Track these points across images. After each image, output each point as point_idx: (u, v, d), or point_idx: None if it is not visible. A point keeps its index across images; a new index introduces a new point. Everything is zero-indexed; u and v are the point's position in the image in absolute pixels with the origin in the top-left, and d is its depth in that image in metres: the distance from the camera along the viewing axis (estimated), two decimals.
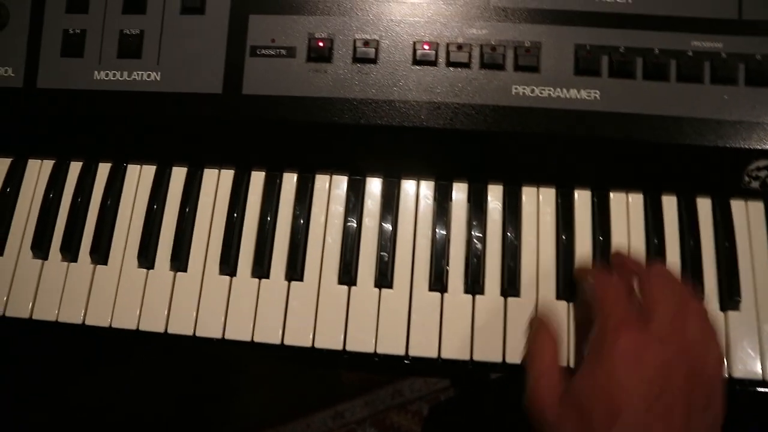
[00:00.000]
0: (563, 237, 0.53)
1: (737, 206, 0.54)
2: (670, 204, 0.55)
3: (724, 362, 0.45)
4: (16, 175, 0.59)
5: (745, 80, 0.52)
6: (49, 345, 0.92)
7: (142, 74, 0.55)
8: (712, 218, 0.54)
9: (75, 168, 0.58)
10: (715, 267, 0.53)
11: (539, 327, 0.49)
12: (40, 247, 0.56)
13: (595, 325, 0.44)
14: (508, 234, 0.54)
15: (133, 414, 1.10)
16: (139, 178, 0.58)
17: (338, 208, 0.55)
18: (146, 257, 0.55)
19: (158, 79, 0.55)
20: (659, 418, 0.39)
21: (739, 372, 0.50)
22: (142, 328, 0.54)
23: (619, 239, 0.54)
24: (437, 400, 1.28)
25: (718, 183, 0.54)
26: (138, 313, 0.54)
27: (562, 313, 0.52)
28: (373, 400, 1.29)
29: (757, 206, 0.54)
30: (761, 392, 0.50)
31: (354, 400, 1.29)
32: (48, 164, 0.59)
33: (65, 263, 0.56)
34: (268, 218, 0.55)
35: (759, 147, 0.51)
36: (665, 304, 0.43)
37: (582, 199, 0.55)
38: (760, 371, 0.50)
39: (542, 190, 0.55)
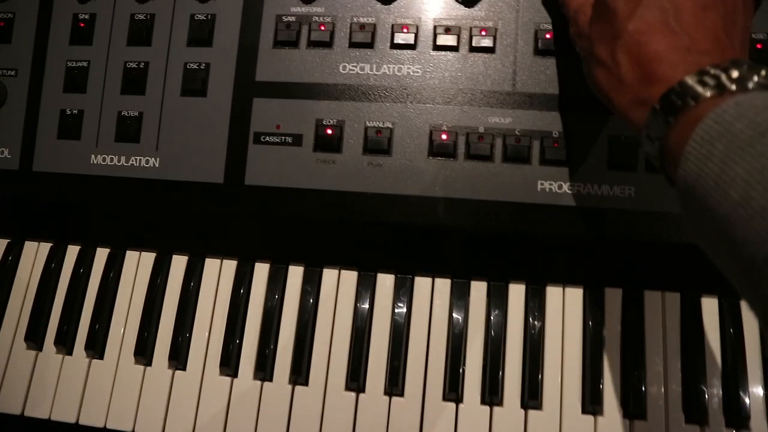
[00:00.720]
0: (591, 342, 0.49)
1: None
2: (710, 306, 0.50)
3: None
4: (12, 256, 0.56)
5: None
6: None
7: (140, 159, 0.52)
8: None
9: (72, 252, 0.56)
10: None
11: None
12: (34, 339, 0.53)
13: None
14: (529, 335, 0.49)
15: None
16: (138, 266, 0.55)
17: (347, 305, 0.51)
18: (143, 355, 0.52)
19: (157, 165, 0.52)
20: None
21: None
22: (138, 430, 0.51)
23: (653, 343, 0.49)
24: None
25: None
26: (134, 412, 0.51)
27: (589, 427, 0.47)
28: None
29: None
30: None
31: None
32: (45, 247, 0.56)
33: (60, 356, 0.53)
34: (273, 316, 0.51)
35: None
36: None
37: (612, 298, 0.50)
38: None
39: (568, 290, 0.51)
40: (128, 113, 0.52)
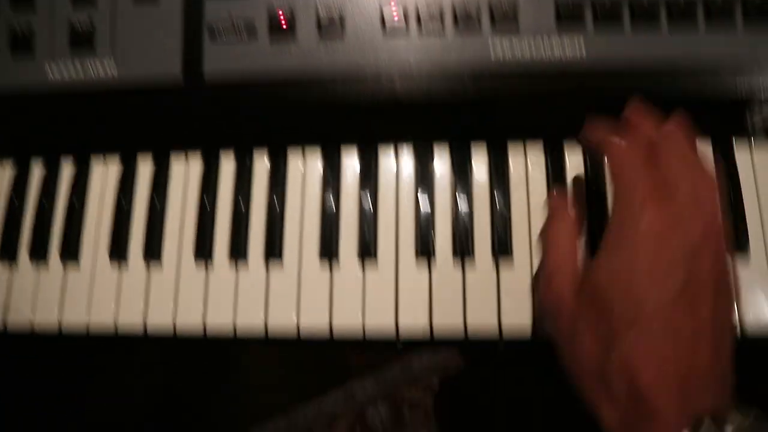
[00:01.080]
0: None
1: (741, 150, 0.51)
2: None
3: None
4: None
5: (743, 21, 0.48)
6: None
7: (97, 67, 0.52)
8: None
9: (37, 168, 0.56)
10: None
11: (555, 210, 0.44)
12: (7, 253, 0.54)
13: (615, 203, 0.39)
14: (497, 195, 0.50)
15: (138, 409, 1.09)
16: (106, 174, 0.55)
17: (315, 185, 0.52)
18: (119, 254, 0.52)
19: (114, 71, 0.51)
20: (685, 311, 0.34)
21: (750, 327, 0.47)
22: (120, 322, 0.51)
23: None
24: (447, 371, 1.26)
25: (720, 128, 0.50)
26: (115, 308, 0.52)
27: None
28: (384, 378, 1.27)
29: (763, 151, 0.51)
30: None
31: (364, 379, 1.27)
32: (8, 165, 0.56)
33: (35, 267, 0.53)
34: (242, 203, 0.52)
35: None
36: (687, 178, 0.37)
37: (572, 150, 0.52)
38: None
39: (529, 144, 0.52)
40: (80, 24, 0.52)
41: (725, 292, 0.36)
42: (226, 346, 1.12)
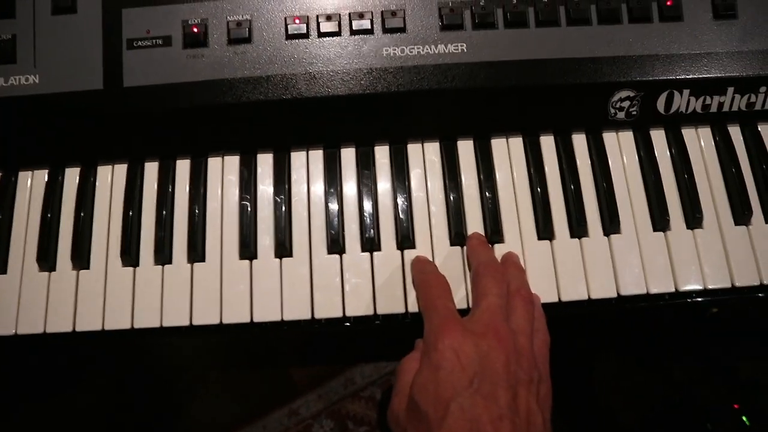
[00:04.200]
0: (451, 187, 0.56)
1: (609, 138, 0.58)
2: (548, 143, 0.58)
3: (548, 342, 0.49)
4: None
5: (597, 20, 0.56)
6: None
7: (19, 78, 0.55)
8: (587, 152, 0.58)
9: None
10: (596, 196, 0.56)
11: (403, 361, 0.49)
12: None
13: (424, 324, 0.47)
14: (398, 191, 0.56)
15: None
16: (32, 183, 0.58)
17: (233, 186, 0.56)
18: (46, 260, 0.55)
19: (37, 81, 0.55)
20: (485, 396, 0.41)
21: (627, 290, 0.53)
22: (48, 329, 0.53)
23: (504, 182, 0.56)
24: (388, 383, 1.29)
25: (589, 118, 0.57)
26: (44, 315, 0.54)
27: (457, 258, 0.54)
28: (327, 393, 1.29)
29: (627, 135, 0.58)
30: (645, 306, 0.53)
31: (307, 395, 1.29)
32: None
33: None
34: (165, 206, 0.56)
35: (617, 80, 0.55)
36: (491, 297, 0.47)
37: (465, 148, 0.57)
38: (644, 286, 0.53)
39: (427, 145, 0.58)
40: (1, 36, 0.55)
41: (527, 379, 0.43)
42: (169, 374, 1.13)
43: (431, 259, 0.54)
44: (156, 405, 1.16)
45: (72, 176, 0.58)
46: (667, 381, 0.94)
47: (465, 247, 0.54)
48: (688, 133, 0.58)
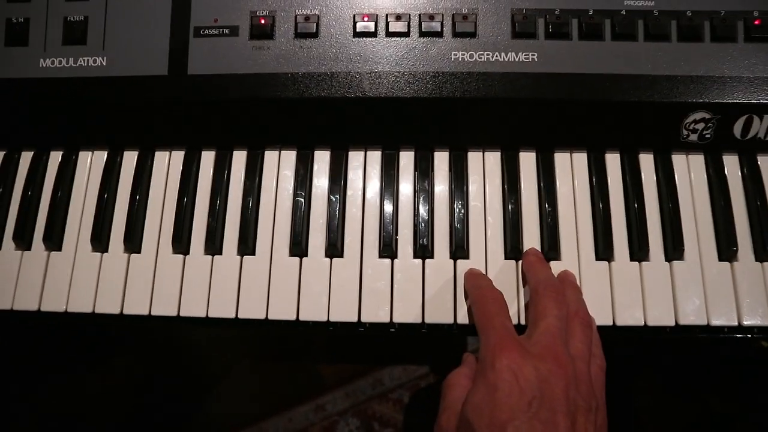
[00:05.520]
0: (510, 199, 0.54)
1: (678, 160, 0.56)
2: (613, 161, 0.56)
3: (605, 369, 0.47)
4: None
5: (677, 36, 0.53)
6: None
7: (87, 60, 0.55)
8: (654, 173, 0.55)
9: (26, 157, 0.59)
10: (659, 220, 0.54)
11: (451, 376, 0.48)
12: None
13: (480, 341, 0.46)
14: (455, 198, 0.54)
15: (109, 418, 1.09)
16: (91, 164, 0.58)
17: (288, 181, 0.56)
18: (100, 241, 0.55)
19: (104, 63, 0.55)
20: (544, 422, 0.39)
21: (687, 319, 0.51)
22: (97, 310, 0.54)
23: (565, 198, 0.55)
24: (417, 387, 1.29)
25: (659, 138, 0.55)
26: (93, 296, 0.54)
27: (511, 272, 0.53)
28: (354, 391, 1.29)
29: (697, 159, 0.56)
30: (705, 337, 0.51)
31: (335, 391, 1.29)
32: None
33: (19, 252, 0.56)
34: (219, 196, 0.55)
35: (693, 100, 0.53)
36: (550, 318, 0.45)
37: (527, 160, 0.56)
38: (705, 317, 0.51)
39: (488, 154, 0.56)
40: (74, 18, 0.56)
41: (586, 407, 0.42)
42: (199, 363, 1.14)
43: (484, 272, 0.52)
44: (183, 391, 1.17)
45: (130, 159, 0.58)
46: (705, 411, 0.91)
47: (520, 262, 0.53)
48: (764, 161, 0.55)
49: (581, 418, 0.41)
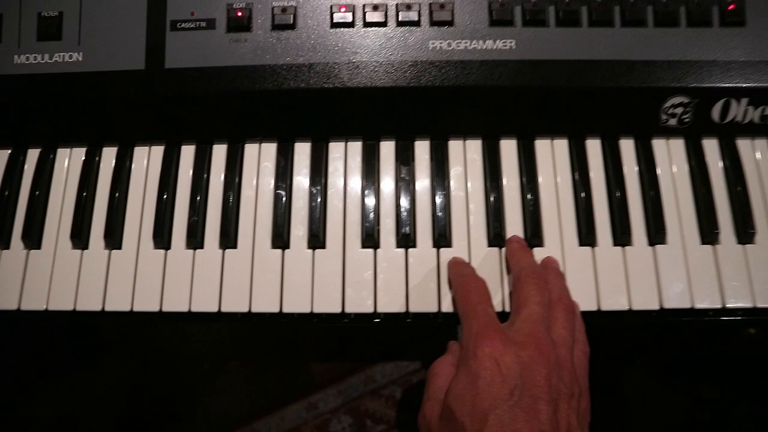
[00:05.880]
0: (491, 186, 0.54)
1: (659, 144, 0.56)
2: (594, 147, 0.56)
3: (588, 354, 0.47)
4: None
5: (653, 22, 0.53)
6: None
7: (63, 55, 0.55)
8: (635, 158, 0.55)
9: (3, 156, 0.58)
10: (642, 204, 0.54)
11: (436, 364, 0.48)
12: None
13: (462, 329, 0.46)
14: (437, 187, 0.54)
15: (101, 420, 1.08)
16: (69, 161, 0.58)
17: (269, 174, 0.56)
18: (80, 238, 0.55)
19: (80, 59, 0.55)
20: (526, 409, 0.39)
21: (670, 302, 0.51)
22: (79, 307, 0.53)
23: (546, 185, 0.55)
24: (409, 383, 1.28)
25: (639, 123, 0.55)
26: (74, 293, 0.54)
27: (495, 259, 0.53)
28: (346, 389, 1.29)
29: (677, 143, 0.56)
30: (689, 321, 0.51)
31: (327, 389, 1.29)
32: None
33: None
34: (199, 190, 0.55)
35: (671, 85, 0.53)
36: (532, 305, 0.45)
37: (508, 148, 0.56)
38: (689, 300, 0.51)
39: (469, 142, 0.56)
40: (48, 13, 0.55)
41: (568, 393, 0.42)
42: (189, 362, 1.13)
43: (468, 260, 0.52)
44: (175, 392, 1.16)
45: (109, 156, 0.57)
46: (695, 399, 0.92)
47: (503, 249, 0.53)
48: (743, 144, 0.55)
49: (564, 404, 0.41)
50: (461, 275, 0.50)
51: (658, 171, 0.55)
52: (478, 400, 0.40)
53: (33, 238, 0.55)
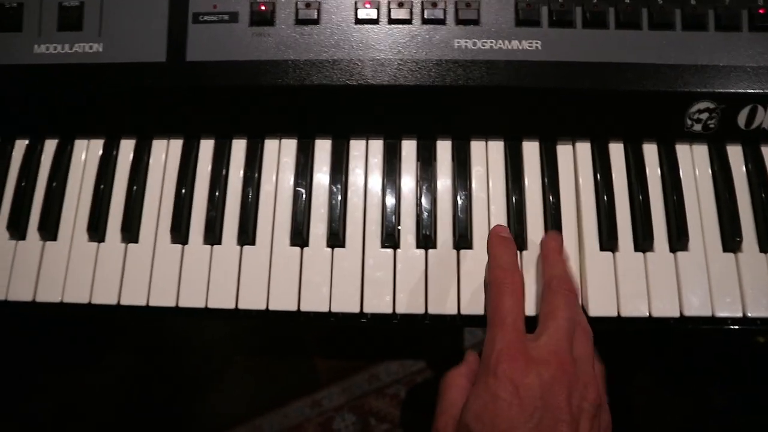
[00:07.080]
0: (513, 188, 0.54)
1: (682, 150, 0.55)
2: (617, 151, 0.55)
3: (604, 370, 0.47)
4: None
5: (681, 25, 0.53)
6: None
7: (83, 46, 0.54)
8: (658, 163, 0.55)
9: (20, 146, 0.57)
10: (664, 210, 0.54)
11: (450, 375, 0.47)
12: None
13: (485, 341, 0.44)
14: (458, 188, 0.54)
15: (106, 414, 1.08)
16: (87, 153, 0.57)
17: (288, 170, 0.55)
18: (97, 231, 0.54)
19: (100, 50, 0.54)
20: None
21: (690, 310, 0.51)
22: (94, 301, 0.53)
23: (568, 188, 0.54)
24: (414, 383, 1.28)
25: (663, 128, 0.55)
26: (90, 286, 0.53)
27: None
28: (350, 387, 1.28)
29: (701, 149, 0.55)
30: (710, 329, 0.51)
31: (330, 387, 1.28)
32: None
33: (13, 242, 0.55)
34: (218, 185, 0.55)
35: (697, 90, 0.52)
36: (560, 320, 0.44)
37: (530, 150, 0.55)
38: (709, 308, 0.51)
39: (491, 143, 0.56)
40: (69, 3, 0.55)
41: (590, 415, 0.41)
42: (194, 359, 1.12)
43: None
44: (179, 387, 1.16)
45: (127, 148, 0.57)
46: (704, 406, 0.91)
47: (524, 253, 0.52)
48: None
49: (585, 423, 0.40)
50: (499, 267, 0.47)
51: (682, 177, 0.54)
52: (497, 421, 0.39)
53: (49, 229, 0.55)
